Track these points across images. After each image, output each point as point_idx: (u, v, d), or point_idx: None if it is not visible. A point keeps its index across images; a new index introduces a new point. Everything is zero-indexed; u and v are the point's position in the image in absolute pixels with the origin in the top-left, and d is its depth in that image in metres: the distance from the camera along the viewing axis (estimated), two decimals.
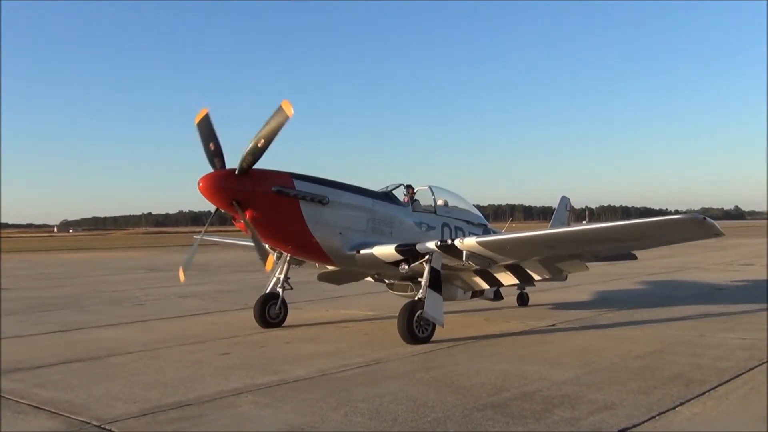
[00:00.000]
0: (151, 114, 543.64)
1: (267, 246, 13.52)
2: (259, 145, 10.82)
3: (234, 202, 10.96)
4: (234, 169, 11.03)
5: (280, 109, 10.67)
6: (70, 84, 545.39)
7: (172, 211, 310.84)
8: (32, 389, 8.31)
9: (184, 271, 12.49)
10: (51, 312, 16.58)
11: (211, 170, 11.19)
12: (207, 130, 11.49)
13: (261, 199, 11.17)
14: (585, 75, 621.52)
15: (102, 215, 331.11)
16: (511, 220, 24.77)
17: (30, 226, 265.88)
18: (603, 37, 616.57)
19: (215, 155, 11.31)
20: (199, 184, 10.95)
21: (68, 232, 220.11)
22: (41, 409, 7.41)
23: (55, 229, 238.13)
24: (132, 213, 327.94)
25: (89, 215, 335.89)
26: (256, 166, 11.11)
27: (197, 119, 11.59)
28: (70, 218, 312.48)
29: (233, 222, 11.80)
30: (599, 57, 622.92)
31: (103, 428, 6.64)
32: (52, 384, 8.62)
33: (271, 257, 11.40)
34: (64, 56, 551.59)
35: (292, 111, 10.56)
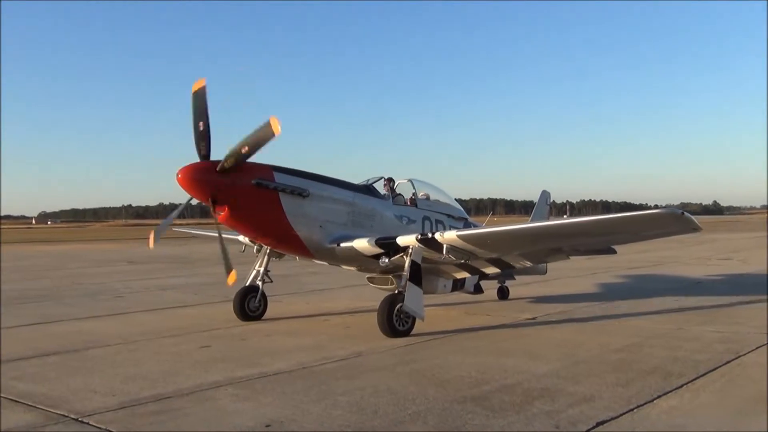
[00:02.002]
0: (132, 106, 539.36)
1: (247, 239, 13.53)
2: (243, 151, 10.73)
3: (210, 200, 10.90)
4: (215, 163, 10.94)
5: (267, 124, 10.49)
6: (49, 75, 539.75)
7: (153, 203, 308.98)
8: (9, 382, 8.23)
9: (155, 239, 12.36)
10: (28, 304, 16.40)
11: (196, 152, 11.03)
12: (201, 105, 11.12)
13: (241, 192, 11.10)
14: (568, 70, 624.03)
15: (81, 207, 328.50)
16: (492, 214, 24.82)
17: (8, 217, 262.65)
18: (586, 33, 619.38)
19: (202, 138, 11.06)
20: (177, 175, 10.83)
21: (47, 223, 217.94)
22: (18, 402, 7.33)
23: (34, 221, 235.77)
24: (112, 205, 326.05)
25: (68, 207, 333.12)
26: None
27: (195, 87, 11.24)
28: (49, 210, 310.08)
29: (212, 214, 11.68)
30: (582, 52, 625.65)
31: (81, 421, 6.58)
32: (29, 377, 8.54)
33: (234, 273, 11.29)
34: (44, 46, 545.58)
35: (279, 130, 10.37)
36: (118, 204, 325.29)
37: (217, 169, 10.88)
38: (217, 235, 11.87)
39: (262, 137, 10.61)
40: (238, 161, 10.86)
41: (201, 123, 11.09)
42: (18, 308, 15.63)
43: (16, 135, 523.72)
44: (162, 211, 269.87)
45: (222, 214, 11.20)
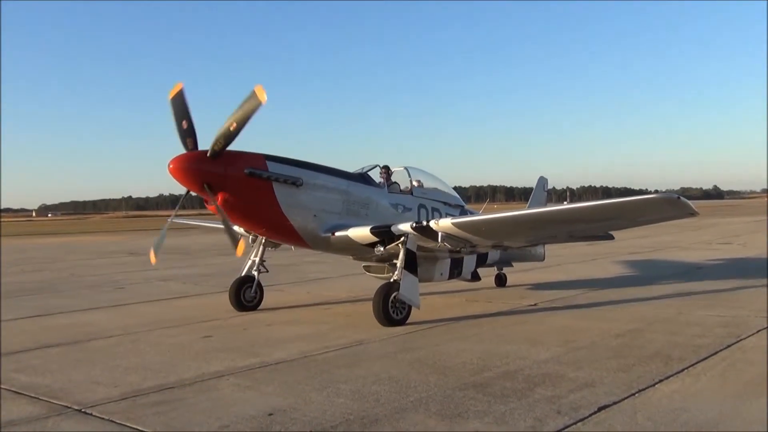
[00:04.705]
0: (130, 97, 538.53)
1: (242, 229, 13.45)
2: (232, 129, 10.62)
3: (205, 186, 10.85)
4: (206, 151, 10.88)
5: (252, 94, 10.43)
6: (48, 66, 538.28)
7: (153, 194, 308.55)
8: (11, 374, 8.25)
9: (155, 253, 12.38)
10: (29, 296, 16.43)
11: (183, 151, 10.99)
12: (180, 107, 11.14)
13: (233, 182, 11.01)
14: (566, 57, 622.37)
15: (82, 199, 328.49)
16: (489, 201, 24.82)
17: (8, 210, 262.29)
18: (584, 20, 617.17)
19: (188, 135, 11.02)
20: (169, 166, 10.75)
21: (47, 216, 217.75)
22: (21, 394, 7.35)
23: (34, 214, 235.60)
24: (112, 197, 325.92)
25: (68, 199, 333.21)
26: (228, 148, 10.96)
27: (171, 94, 11.26)
28: (49, 202, 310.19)
29: (205, 204, 11.64)
30: (581, 40, 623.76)
31: (84, 412, 6.60)
32: (32, 369, 8.55)
33: (242, 242, 11.15)
34: (42, 39, 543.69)
35: (266, 97, 10.33)
36: (118, 196, 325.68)
37: (208, 154, 10.83)
38: (215, 225, 11.86)
39: (249, 109, 10.51)
40: (228, 141, 10.76)
41: (184, 122, 11.07)
42: (19, 301, 15.65)
43: (16, 128, 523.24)
44: (162, 202, 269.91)
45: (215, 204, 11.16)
